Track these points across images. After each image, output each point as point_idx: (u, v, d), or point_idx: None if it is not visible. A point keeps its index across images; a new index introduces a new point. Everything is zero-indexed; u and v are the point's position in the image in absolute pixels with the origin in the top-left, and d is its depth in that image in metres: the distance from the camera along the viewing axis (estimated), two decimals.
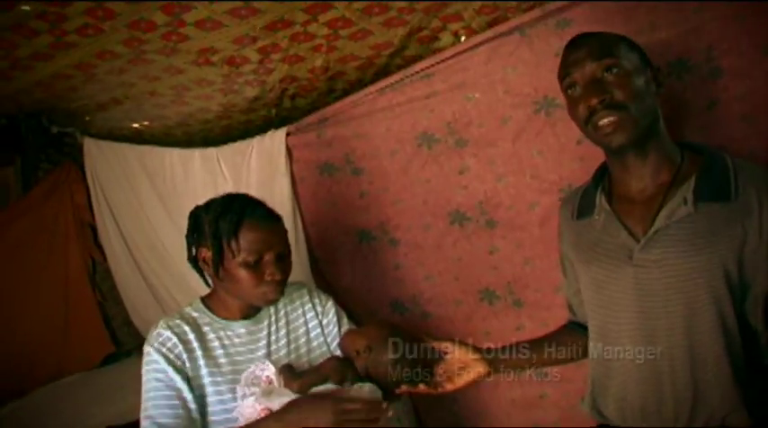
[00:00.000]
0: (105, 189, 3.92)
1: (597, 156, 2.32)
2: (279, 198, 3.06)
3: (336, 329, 2.29)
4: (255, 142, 3.19)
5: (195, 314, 2.09)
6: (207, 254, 2.05)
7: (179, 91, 2.96)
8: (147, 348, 1.96)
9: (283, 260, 2.09)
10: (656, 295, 1.71)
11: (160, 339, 1.95)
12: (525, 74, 2.44)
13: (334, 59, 2.71)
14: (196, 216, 2.13)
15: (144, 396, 1.93)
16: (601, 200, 1.87)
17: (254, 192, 3.21)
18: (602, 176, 1.95)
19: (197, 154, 3.48)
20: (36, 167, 3.97)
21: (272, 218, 2.12)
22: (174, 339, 1.96)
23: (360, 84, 2.92)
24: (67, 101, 3.17)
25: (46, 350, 3.94)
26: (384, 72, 2.82)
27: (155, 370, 1.92)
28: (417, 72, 2.61)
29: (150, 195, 3.73)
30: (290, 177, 3.06)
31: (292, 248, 3.13)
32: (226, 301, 2.11)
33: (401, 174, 2.81)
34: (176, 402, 1.90)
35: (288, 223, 3.02)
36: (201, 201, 3.54)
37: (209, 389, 1.96)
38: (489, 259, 2.72)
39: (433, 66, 2.58)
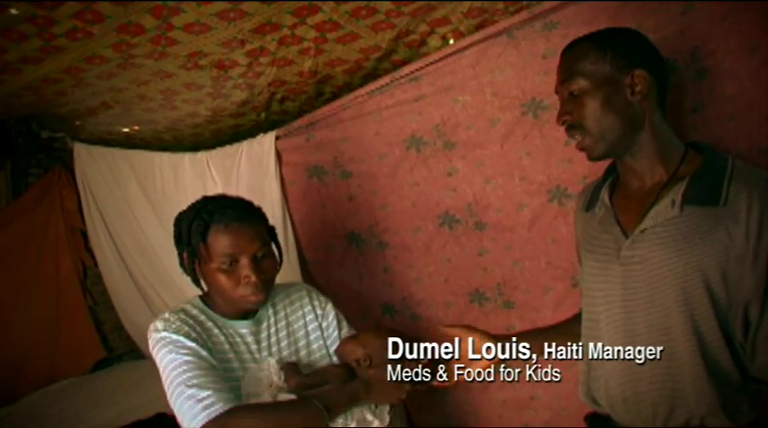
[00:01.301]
0: (95, 193, 3.92)
1: (585, 158, 2.32)
2: (269, 201, 3.07)
3: (336, 333, 2.27)
4: (245, 146, 3.20)
5: (195, 311, 2.04)
6: (187, 259, 2.03)
7: (168, 95, 2.96)
8: (160, 334, 1.90)
9: (261, 260, 2.02)
10: (638, 293, 1.73)
11: (174, 326, 1.92)
12: (513, 76, 2.45)
13: (323, 63, 2.71)
14: (178, 220, 2.10)
15: (174, 371, 1.85)
16: (604, 194, 1.90)
17: (243, 196, 3.24)
18: (612, 171, 1.97)
19: (187, 158, 3.48)
20: (26, 172, 3.97)
21: (243, 219, 2.02)
22: (186, 327, 1.92)
23: (348, 88, 2.91)
24: (57, 105, 3.17)
25: (37, 355, 3.94)
26: (372, 76, 2.82)
27: (181, 347, 1.88)
28: (405, 75, 2.61)
29: (140, 199, 3.73)
30: (279, 180, 3.06)
31: (282, 253, 3.14)
32: (221, 302, 2.07)
33: (390, 177, 2.81)
34: (215, 371, 1.88)
35: (278, 226, 3.02)
36: None
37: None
38: (478, 261, 2.72)
39: (421, 69, 2.58)
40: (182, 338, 1.88)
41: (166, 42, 2.36)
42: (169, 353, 1.87)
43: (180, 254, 2.08)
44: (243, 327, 2.08)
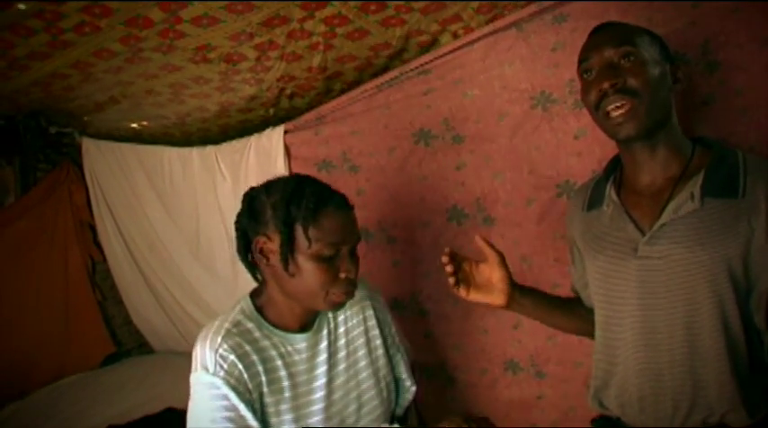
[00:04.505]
0: (104, 189, 3.94)
1: (595, 152, 2.33)
2: None
3: (397, 354, 2.10)
4: (253, 140, 3.21)
5: (250, 324, 1.78)
6: (269, 244, 1.76)
7: (176, 89, 2.96)
8: (209, 378, 1.66)
9: (354, 256, 1.83)
10: (659, 289, 1.70)
11: (225, 366, 1.66)
12: (522, 69, 2.44)
13: (332, 59, 2.70)
14: (253, 198, 1.83)
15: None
16: (610, 191, 1.86)
17: None
18: (614, 168, 1.93)
19: (195, 152, 3.50)
20: (35, 168, 3.98)
21: (348, 204, 1.85)
22: (240, 366, 1.68)
23: (358, 85, 2.90)
24: (65, 101, 3.18)
25: (46, 350, 3.96)
26: (382, 73, 2.80)
27: (224, 407, 1.65)
28: (414, 68, 2.62)
29: (149, 194, 3.74)
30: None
31: None
32: (281, 306, 1.84)
33: (398, 171, 2.80)
34: None
35: None
36: (200, 200, 3.54)
37: (272, 420, 1.75)
38: None
39: (430, 62, 2.58)
40: (231, 394, 1.65)
41: (174, 35, 2.36)
42: (210, 406, 1.66)
43: (243, 237, 1.84)
44: (302, 341, 1.85)
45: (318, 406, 1.83)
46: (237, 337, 1.72)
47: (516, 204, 2.60)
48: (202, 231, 3.62)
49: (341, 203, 1.81)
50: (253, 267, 1.86)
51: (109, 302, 4.31)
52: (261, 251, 1.77)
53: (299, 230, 1.72)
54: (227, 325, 1.74)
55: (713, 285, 1.63)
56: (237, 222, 1.85)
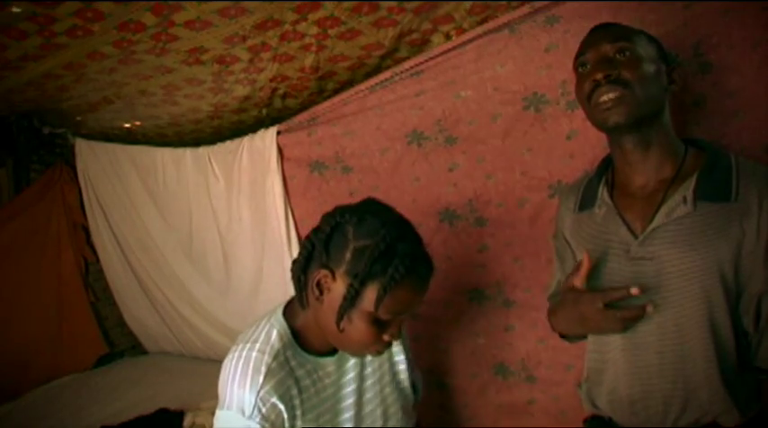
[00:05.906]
0: (97, 189, 3.94)
1: (587, 153, 2.32)
2: (270, 196, 3.07)
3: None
4: (246, 141, 3.20)
5: (289, 351, 1.68)
6: (329, 282, 1.61)
7: (170, 90, 2.96)
8: (244, 422, 1.56)
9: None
10: (649, 292, 1.69)
11: (264, 411, 1.57)
12: (515, 71, 2.42)
13: (325, 59, 2.70)
14: (339, 226, 1.64)
15: None
16: (603, 193, 1.86)
17: (245, 191, 3.21)
18: (605, 168, 1.93)
19: (188, 153, 3.50)
20: (28, 169, 3.99)
21: (432, 272, 1.70)
22: (281, 406, 1.60)
23: (351, 85, 2.89)
24: (58, 101, 3.18)
25: (40, 351, 3.97)
26: (375, 73, 2.79)
27: None
28: (407, 70, 2.60)
29: (142, 195, 3.75)
30: (281, 175, 3.05)
31: (284, 247, 3.08)
32: (317, 333, 1.72)
33: (391, 172, 2.79)
34: None
35: (279, 222, 3.00)
36: (193, 201, 3.53)
37: None
38: (479, 258, 2.70)
39: (422, 63, 2.57)
40: None
41: (167, 39, 2.36)
42: None
43: (306, 256, 1.67)
44: (330, 365, 1.78)
45: (348, 426, 1.80)
46: (278, 373, 1.62)
47: (508, 205, 2.59)
48: (195, 232, 3.63)
49: (427, 274, 1.67)
50: (302, 287, 1.68)
51: (102, 303, 4.33)
52: (318, 283, 1.62)
53: (371, 292, 1.56)
54: (267, 358, 1.62)
55: (704, 288, 1.64)
56: (310, 239, 1.69)
